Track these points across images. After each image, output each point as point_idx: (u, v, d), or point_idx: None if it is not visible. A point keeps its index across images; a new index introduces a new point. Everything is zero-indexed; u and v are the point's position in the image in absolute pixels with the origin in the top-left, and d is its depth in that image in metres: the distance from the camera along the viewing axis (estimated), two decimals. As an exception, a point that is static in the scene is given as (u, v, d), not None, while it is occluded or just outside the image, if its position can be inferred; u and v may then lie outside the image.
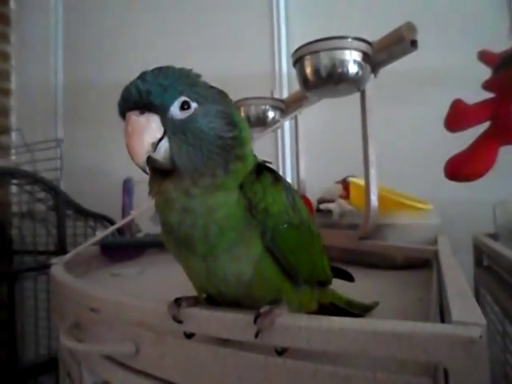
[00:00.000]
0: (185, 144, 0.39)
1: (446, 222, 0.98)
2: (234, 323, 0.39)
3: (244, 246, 0.40)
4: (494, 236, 1.04)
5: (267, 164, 0.46)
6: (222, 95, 0.43)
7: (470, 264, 1.08)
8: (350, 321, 0.34)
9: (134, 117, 0.38)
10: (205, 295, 0.46)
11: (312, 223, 0.48)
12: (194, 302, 0.44)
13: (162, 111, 0.38)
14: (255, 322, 0.37)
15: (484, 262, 1.04)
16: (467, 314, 0.31)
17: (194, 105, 0.39)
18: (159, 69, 0.39)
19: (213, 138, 0.40)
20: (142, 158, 0.38)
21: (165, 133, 0.38)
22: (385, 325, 0.31)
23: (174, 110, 0.39)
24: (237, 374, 0.39)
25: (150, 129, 0.38)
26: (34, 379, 1.71)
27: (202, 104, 0.40)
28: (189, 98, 0.39)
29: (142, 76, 0.39)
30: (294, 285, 0.44)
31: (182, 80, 0.39)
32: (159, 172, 0.40)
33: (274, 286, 0.42)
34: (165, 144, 0.38)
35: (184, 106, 0.39)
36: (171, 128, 0.38)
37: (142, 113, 0.38)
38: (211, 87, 0.43)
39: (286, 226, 0.42)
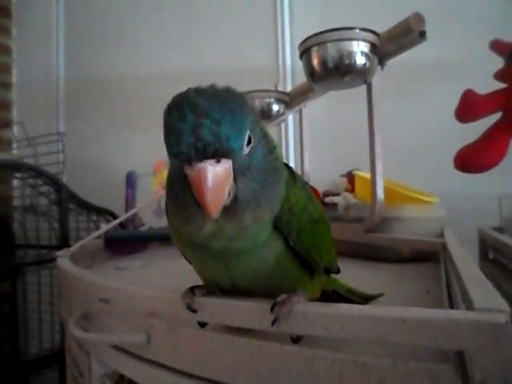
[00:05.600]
0: (251, 181, 0.35)
1: (452, 215, 0.98)
2: (249, 312, 0.39)
3: (268, 246, 0.39)
4: (500, 229, 1.03)
5: None
6: (255, 108, 0.39)
7: (476, 257, 1.08)
8: (369, 307, 0.34)
9: (212, 168, 0.32)
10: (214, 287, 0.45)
11: (324, 212, 0.47)
12: (208, 290, 0.44)
13: (237, 155, 0.34)
14: (272, 310, 0.37)
15: (489, 255, 1.04)
16: (490, 301, 0.31)
17: (251, 135, 0.35)
18: (217, 99, 0.33)
19: (266, 165, 0.37)
20: (220, 211, 0.33)
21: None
22: (406, 312, 0.31)
23: (244, 149, 0.34)
24: (252, 363, 0.38)
25: (228, 179, 0.33)
26: (37, 373, 1.71)
27: (253, 131, 0.35)
28: (250, 129, 0.35)
29: (207, 113, 0.32)
30: (310, 274, 0.43)
31: (245, 111, 0.34)
32: None
33: (293, 277, 0.42)
34: (232, 186, 0.34)
35: (248, 141, 0.35)
36: (240, 168, 0.34)
37: (218, 161, 0.32)
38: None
39: (308, 222, 0.41)
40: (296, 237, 0.39)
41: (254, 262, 0.39)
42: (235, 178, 0.34)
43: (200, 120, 0.31)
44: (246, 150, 0.34)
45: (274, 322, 0.37)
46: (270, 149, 0.38)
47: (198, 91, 0.34)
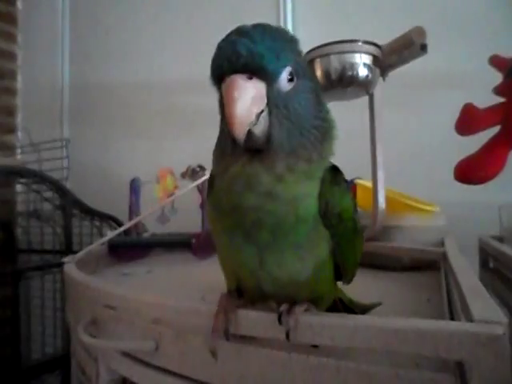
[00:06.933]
0: (286, 120, 0.35)
1: (452, 224, 0.99)
2: (257, 322, 0.40)
3: (310, 246, 0.38)
4: (500, 238, 1.04)
5: None
6: (312, 70, 0.41)
7: (476, 266, 1.09)
8: (372, 318, 0.35)
9: (242, 81, 0.33)
10: (234, 286, 0.45)
11: (361, 227, 0.47)
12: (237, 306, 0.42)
13: (270, 80, 0.34)
14: (279, 321, 0.38)
15: (490, 264, 1.05)
16: (488, 312, 0.32)
17: (295, 76, 0.36)
18: (264, 27, 0.35)
19: (310, 117, 0.37)
20: (245, 130, 0.33)
21: (267, 104, 0.34)
22: (408, 323, 0.32)
23: (282, 81, 0.35)
24: (259, 371, 0.40)
25: (258, 98, 0.33)
26: (38, 378, 1.71)
27: (300, 77, 0.36)
28: (294, 68, 0.35)
29: (247, 34, 0.34)
30: (334, 285, 0.44)
31: (291, 46, 0.36)
32: (240, 148, 0.35)
33: (323, 287, 0.42)
34: (265, 117, 0.34)
35: (290, 77, 0.35)
36: (275, 100, 0.34)
37: (250, 78, 0.33)
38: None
39: (351, 232, 0.41)
40: (337, 243, 0.39)
41: (293, 262, 0.38)
42: (270, 113, 0.34)
43: (240, 39, 0.33)
44: (287, 85, 0.35)
45: (287, 335, 0.37)
46: (320, 109, 0.39)
47: (253, 24, 0.36)
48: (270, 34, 0.34)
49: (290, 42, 0.36)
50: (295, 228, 0.36)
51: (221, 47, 0.34)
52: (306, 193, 0.37)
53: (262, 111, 0.34)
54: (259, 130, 0.34)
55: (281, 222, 0.36)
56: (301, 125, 0.36)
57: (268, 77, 0.34)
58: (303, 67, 0.37)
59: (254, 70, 0.33)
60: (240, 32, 0.34)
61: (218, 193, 0.39)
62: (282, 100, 0.35)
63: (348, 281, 0.48)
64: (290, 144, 0.35)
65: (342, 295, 0.55)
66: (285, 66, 0.35)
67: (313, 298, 0.41)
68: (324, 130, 0.38)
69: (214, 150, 0.40)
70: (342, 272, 0.42)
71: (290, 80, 0.35)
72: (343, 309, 0.54)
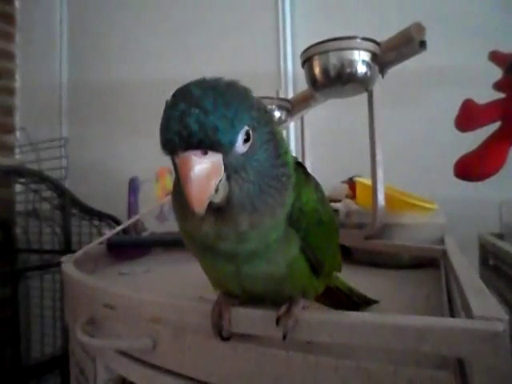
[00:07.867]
0: (246, 182, 0.34)
1: (452, 222, 0.99)
2: (255, 320, 0.40)
3: (281, 249, 0.38)
4: (500, 235, 1.04)
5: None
6: (266, 109, 0.37)
7: (476, 263, 1.08)
8: (371, 315, 0.35)
9: (197, 159, 0.31)
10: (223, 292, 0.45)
11: (334, 216, 0.47)
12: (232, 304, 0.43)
13: (226, 150, 0.32)
14: (277, 323, 0.38)
15: (490, 261, 1.04)
16: (488, 309, 0.32)
17: (251, 133, 0.33)
18: (214, 90, 0.32)
19: (269, 169, 0.35)
20: (205, 205, 0.31)
21: (224, 171, 0.32)
22: (407, 320, 0.32)
23: (239, 146, 0.33)
24: (258, 370, 0.39)
25: (215, 171, 0.31)
26: (38, 377, 1.72)
27: (255, 130, 0.34)
28: (249, 126, 0.33)
29: (198, 102, 0.31)
30: (315, 277, 0.44)
31: (244, 106, 0.33)
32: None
33: (301, 282, 0.42)
34: (224, 184, 0.32)
35: (246, 137, 0.33)
36: (232, 165, 0.33)
37: (205, 153, 0.31)
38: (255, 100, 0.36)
39: (317, 223, 0.41)
40: (304, 236, 0.39)
41: (267, 266, 0.39)
42: (229, 177, 0.33)
43: (190, 109, 0.31)
44: (243, 147, 0.33)
45: (284, 337, 0.37)
46: (279, 153, 0.37)
47: (200, 82, 0.33)
48: (222, 96, 0.32)
49: (244, 97, 0.34)
50: (267, 248, 0.38)
51: (169, 117, 0.31)
52: (273, 231, 0.37)
53: (221, 179, 0.32)
54: (219, 197, 0.33)
55: (253, 251, 0.37)
56: (261, 182, 0.35)
57: (224, 148, 0.32)
58: (258, 117, 0.35)
59: (209, 146, 0.31)
60: (189, 98, 0.31)
61: (186, 230, 0.40)
62: (240, 163, 0.33)
63: (328, 271, 0.48)
64: (252, 204, 0.34)
65: (339, 284, 0.55)
66: (240, 130, 0.32)
67: (296, 292, 0.41)
68: (286, 178, 0.37)
69: (171, 198, 0.40)
70: (315, 265, 0.42)
71: (247, 139, 0.33)
72: (341, 296, 0.55)
